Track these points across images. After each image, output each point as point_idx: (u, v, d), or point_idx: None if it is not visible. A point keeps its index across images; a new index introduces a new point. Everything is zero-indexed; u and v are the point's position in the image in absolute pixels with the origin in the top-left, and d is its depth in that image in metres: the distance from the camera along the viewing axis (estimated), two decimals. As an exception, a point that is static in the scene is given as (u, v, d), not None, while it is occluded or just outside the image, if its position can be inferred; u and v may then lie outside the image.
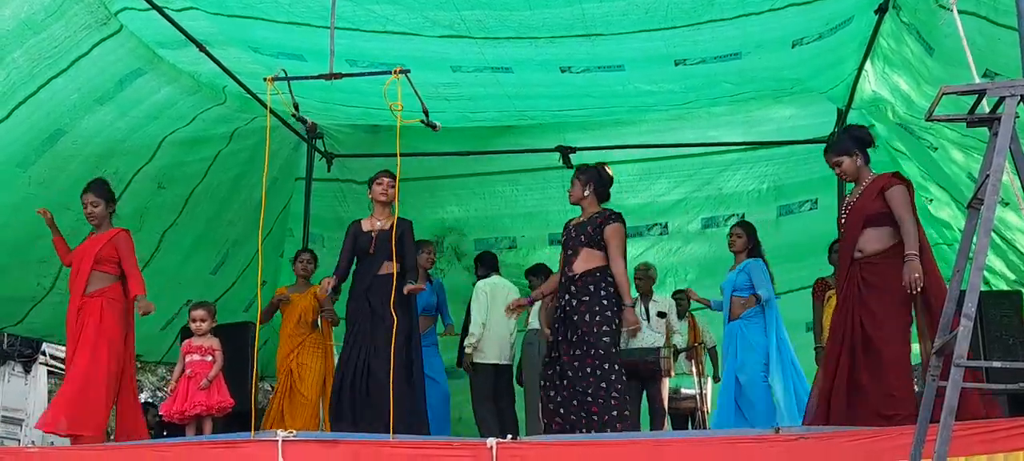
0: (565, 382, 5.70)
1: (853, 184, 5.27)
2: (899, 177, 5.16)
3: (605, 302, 5.70)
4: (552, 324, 6.00)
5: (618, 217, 5.92)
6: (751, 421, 6.51)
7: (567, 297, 5.80)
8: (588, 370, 5.62)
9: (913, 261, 4.80)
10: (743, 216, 8.45)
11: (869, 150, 5.27)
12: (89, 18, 5.59)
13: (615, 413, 5.55)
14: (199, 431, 5.80)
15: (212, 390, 5.85)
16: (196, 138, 7.19)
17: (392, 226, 5.94)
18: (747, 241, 6.94)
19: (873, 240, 5.02)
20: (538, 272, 7.97)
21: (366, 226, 6.26)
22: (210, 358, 5.95)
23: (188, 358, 5.95)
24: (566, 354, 5.72)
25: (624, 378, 5.67)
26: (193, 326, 6.06)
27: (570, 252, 5.89)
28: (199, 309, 6.10)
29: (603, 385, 5.57)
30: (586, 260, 5.79)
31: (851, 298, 5.07)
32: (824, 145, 6.84)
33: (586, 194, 5.97)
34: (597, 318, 5.67)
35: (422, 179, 8.81)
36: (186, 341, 6.10)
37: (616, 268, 5.78)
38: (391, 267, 5.87)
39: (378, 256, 6.09)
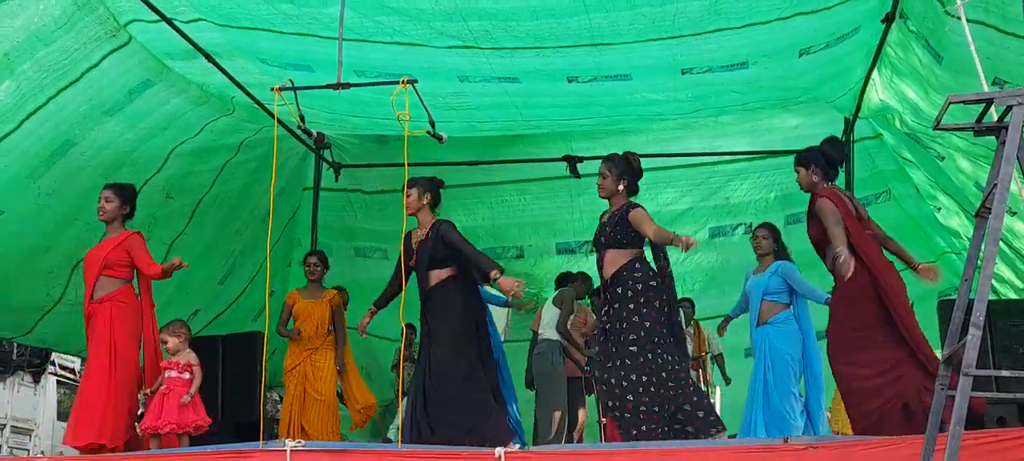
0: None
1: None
2: (823, 191, 5.36)
3: (633, 304, 5.24)
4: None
5: (637, 204, 5.46)
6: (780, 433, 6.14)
7: (606, 308, 5.37)
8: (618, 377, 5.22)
9: (837, 253, 5.04)
10: (751, 225, 8.42)
11: (841, 168, 5.68)
12: (99, 30, 5.63)
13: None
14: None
15: (187, 408, 5.68)
16: (204, 148, 7.21)
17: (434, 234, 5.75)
18: (773, 243, 6.73)
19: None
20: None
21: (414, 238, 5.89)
22: (187, 375, 5.77)
23: (165, 374, 5.77)
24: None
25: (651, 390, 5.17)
26: (163, 346, 5.85)
27: (599, 255, 5.48)
28: (164, 330, 5.88)
29: (630, 397, 5.16)
30: (613, 261, 5.40)
31: None
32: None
33: (620, 188, 5.48)
34: (624, 324, 5.24)
35: (429, 189, 8.82)
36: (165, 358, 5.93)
37: (649, 231, 5.28)
38: (434, 278, 5.69)
39: (419, 267, 5.81)
